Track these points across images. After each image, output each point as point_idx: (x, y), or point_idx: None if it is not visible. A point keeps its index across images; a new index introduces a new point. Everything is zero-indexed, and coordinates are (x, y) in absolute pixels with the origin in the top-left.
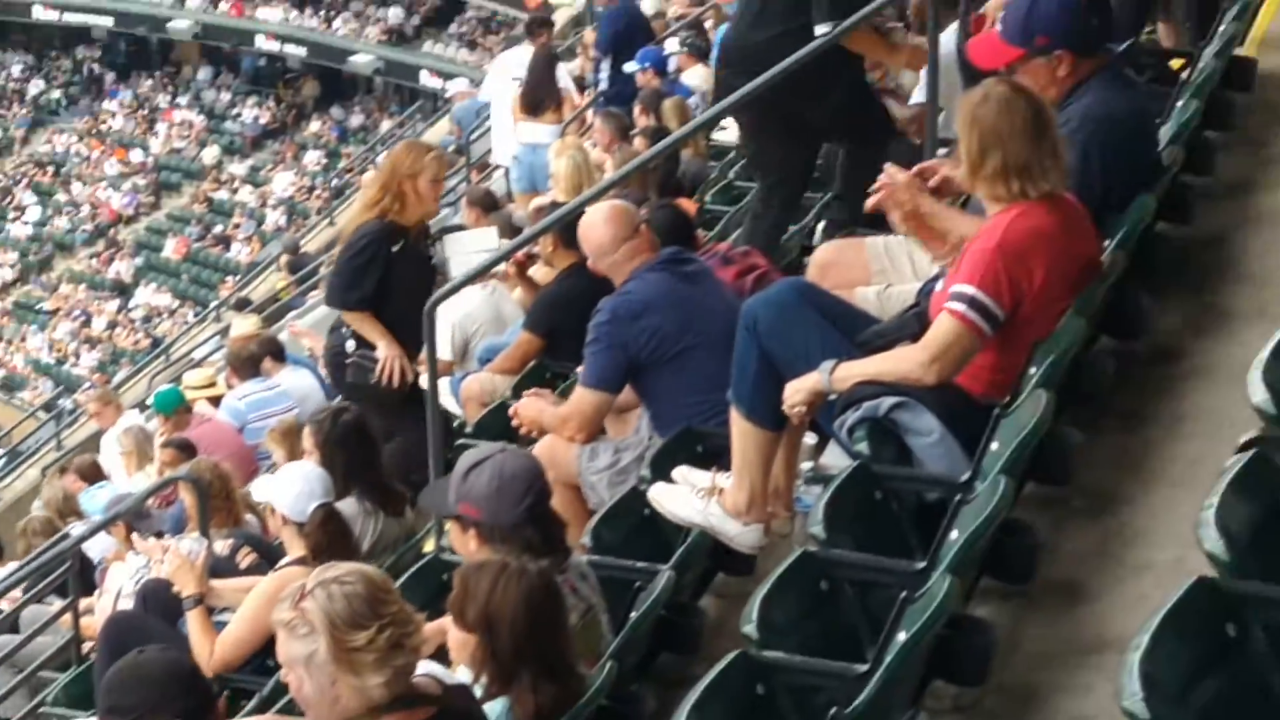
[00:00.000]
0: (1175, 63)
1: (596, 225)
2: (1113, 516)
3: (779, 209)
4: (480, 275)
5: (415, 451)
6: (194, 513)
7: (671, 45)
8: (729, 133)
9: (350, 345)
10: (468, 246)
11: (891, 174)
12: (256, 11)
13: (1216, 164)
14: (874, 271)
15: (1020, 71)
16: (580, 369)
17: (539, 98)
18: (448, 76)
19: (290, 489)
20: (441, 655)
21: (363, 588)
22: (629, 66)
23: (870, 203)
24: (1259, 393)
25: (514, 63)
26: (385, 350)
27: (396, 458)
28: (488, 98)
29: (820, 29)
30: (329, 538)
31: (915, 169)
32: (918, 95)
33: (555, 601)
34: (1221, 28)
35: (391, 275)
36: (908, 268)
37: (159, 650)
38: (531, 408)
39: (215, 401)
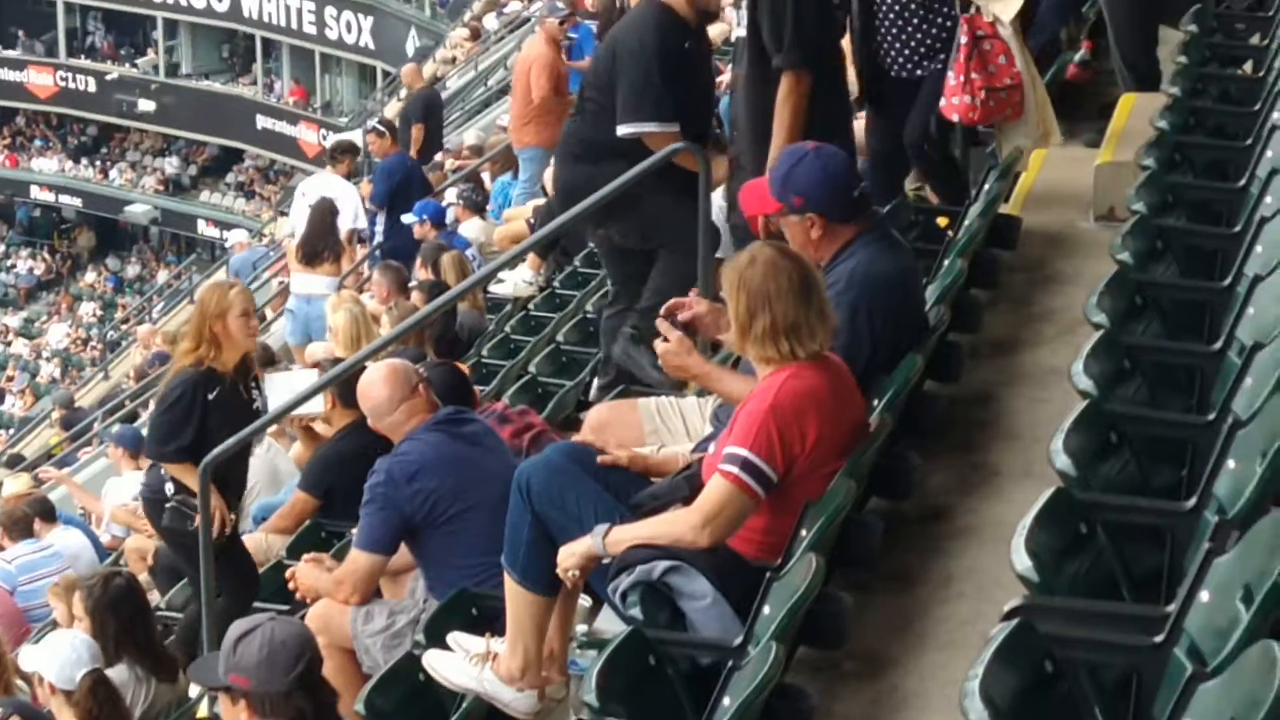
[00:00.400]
0: (942, 220)
1: (374, 385)
2: (884, 680)
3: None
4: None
5: (239, 592)
6: None
7: (450, 197)
8: (505, 286)
9: (169, 488)
10: (290, 387)
11: (664, 331)
12: (31, 162)
13: (983, 322)
14: (647, 432)
15: (781, 223)
16: (355, 529)
17: (316, 248)
18: (226, 226)
19: (57, 657)
20: None
21: None
22: (407, 218)
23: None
24: (1022, 560)
25: (316, 188)
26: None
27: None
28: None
29: (623, 129)
30: (99, 705)
31: (664, 309)
32: None
33: None
34: (986, 185)
35: (209, 421)
36: (681, 428)
37: None
38: (310, 574)
39: None
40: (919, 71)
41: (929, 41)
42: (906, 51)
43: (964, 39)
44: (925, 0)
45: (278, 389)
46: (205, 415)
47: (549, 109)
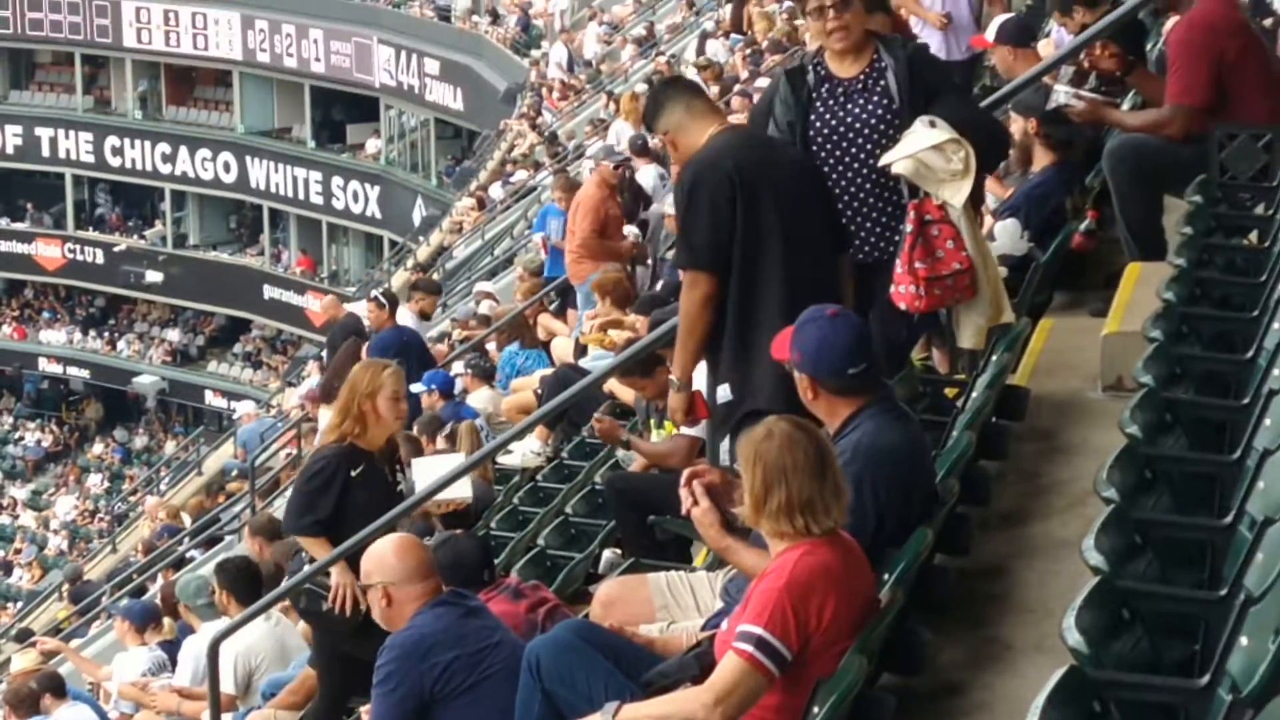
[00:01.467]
0: (950, 391)
1: (388, 555)
2: None
3: None
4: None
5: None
6: None
7: (458, 367)
8: (514, 456)
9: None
10: (435, 472)
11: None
12: (40, 334)
13: (992, 494)
14: (657, 607)
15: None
16: (366, 708)
17: (334, 387)
18: (234, 396)
19: None
20: None
21: None
22: (415, 388)
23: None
24: None
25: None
26: (338, 578)
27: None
28: None
29: None
30: None
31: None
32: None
33: None
34: (994, 356)
35: (349, 499)
36: (691, 603)
37: None
38: None
39: None
40: (875, 255)
41: (878, 228)
42: (860, 236)
43: (909, 226)
44: (875, 187)
45: (423, 473)
46: (345, 491)
47: (591, 249)
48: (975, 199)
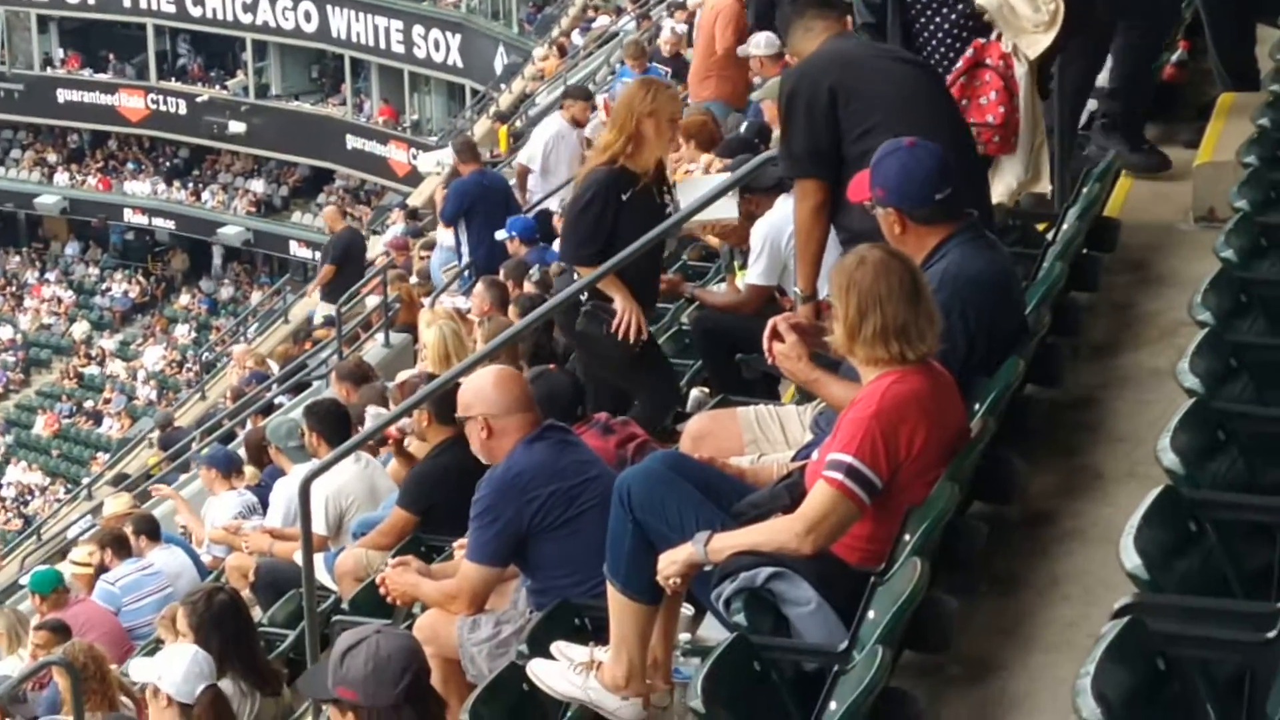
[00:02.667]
0: (1040, 225)
1: (486, 389)
2: (991, 683)
3: None
4: (353, 448)
5: (659, 405)
6: (68, 696)
7: (553, 205)
8: None
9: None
10: (700, 191)
11: (782, 332)
12: (124, 185)
13: (1083, 325)
14: (746, 441)
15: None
16: (460, 542)
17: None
18: (318, 247)
19: (177, 670)
20: None
21: None
22: (499, 235)
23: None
24: (1131, 559)
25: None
26: (622, 304)
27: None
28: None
29: None
30: (218, 719)
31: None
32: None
33: None
34: (1085, 189)
35: (620, 224)
36: (780, 437)
37: None
38: (401, 578)
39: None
40: None
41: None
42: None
43: (961, 63)
44: (955, 28)
45: (689, 193)
46: (617, 216)
47: (731, 62)
48: (1046, 61)
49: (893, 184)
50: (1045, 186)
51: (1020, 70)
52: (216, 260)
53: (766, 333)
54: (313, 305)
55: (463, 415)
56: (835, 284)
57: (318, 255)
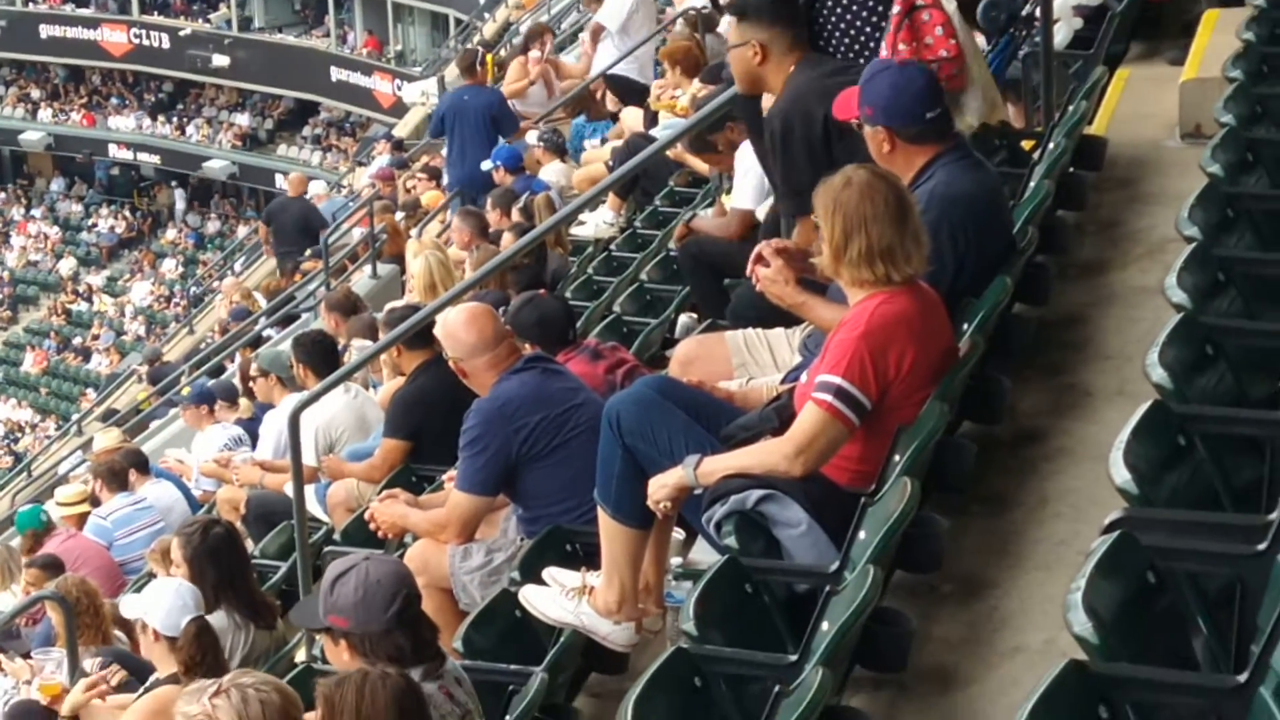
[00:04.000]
0: (1026, 144)
1: (460, 327)
2: (982, 601)
3: None
4: (344, 378)
5: None
6: (61, 630)
7: (530, 138)
8: (587, 228)
9: None
10: None
11: (768, 256)
12: (108, 120)
13: (1070, 243)
14: (735, 365)
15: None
16: (450, 473)
17: None
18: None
19: (162, 603)
20: None
21: (277, 697)
22: (485, 165)
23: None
24: (1121, 474)
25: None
26: None
27: None
28: None
29: None
30: (202, 652)
31: (769, 250)
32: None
33: (422, 705)
34: (1070, 107)
35: None
36: (768, 360)
37: None
38: (390, 510)
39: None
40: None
41: (868, 27)
42: (850, 35)
43: (896, 7)
44: None
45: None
46: None
47: None
48: None
49: (883, 102)
50: (1004, 114)
51: (950, 7)
52: (180, 206)
53: (752, 258)
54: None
55: (452, 349)
56: (821, 205)
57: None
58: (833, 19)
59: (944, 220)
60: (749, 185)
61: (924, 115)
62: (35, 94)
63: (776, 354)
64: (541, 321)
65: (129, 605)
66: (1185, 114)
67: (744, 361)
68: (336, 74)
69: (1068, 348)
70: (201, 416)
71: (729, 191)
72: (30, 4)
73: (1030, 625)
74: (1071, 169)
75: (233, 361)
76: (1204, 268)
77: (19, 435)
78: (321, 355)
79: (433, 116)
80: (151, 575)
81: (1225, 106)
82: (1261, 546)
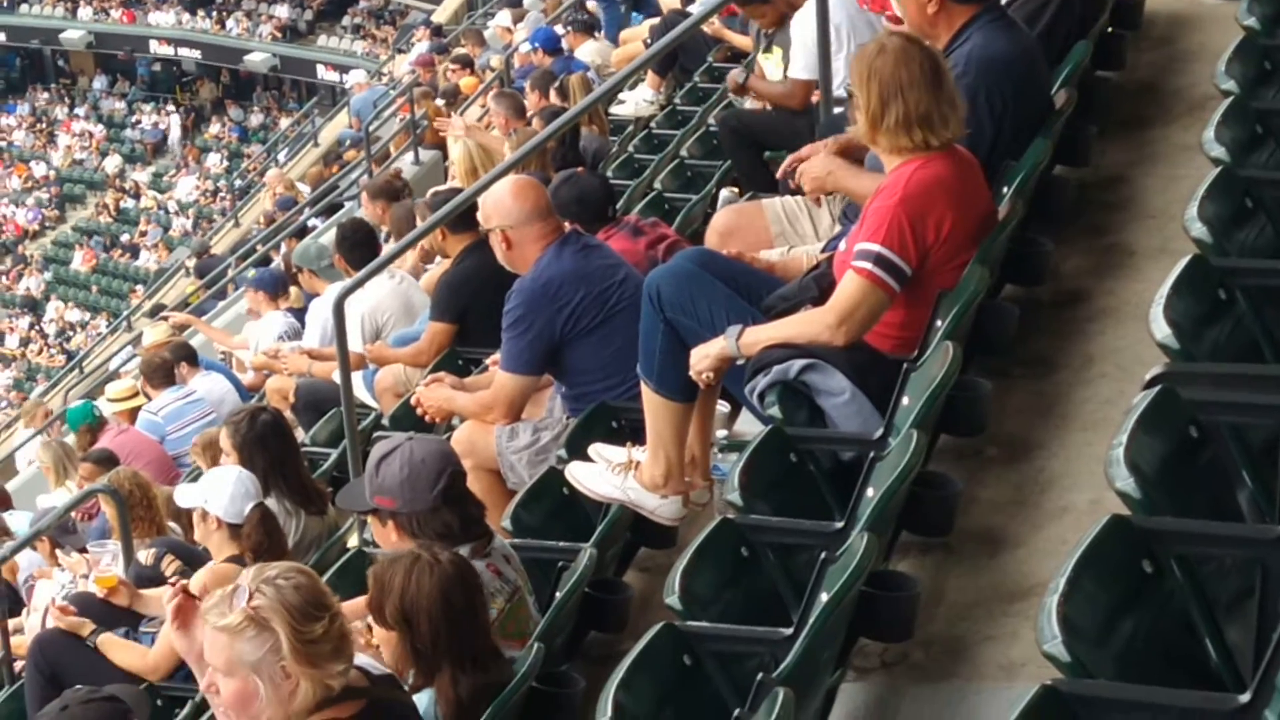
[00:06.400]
0: None
1: (505, 198)
2: (1028, 463)
3: None
4: (386, 264)
5: None
6: (115, 524)
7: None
8: (626, 106)
9: None
10: None
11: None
12: (148, 17)
13: (1110, 103)
14: (774, 234)
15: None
16: (496, 354)
17: None
18: (344, 70)
19: (224, 491)
20: None
21: (306, 580)
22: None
23: (781, 171)
24: (1161, 329)
25: None
26: None
27: None
28: None
29: None
30: (268, 537)
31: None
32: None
33: (471, 588)
34: None
35: None
36: (809, 229)
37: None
38: (435, 394)
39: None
40: None
41: None
42: None
43: None
44: None
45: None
46: None
47: None
48: None
49: None
50: None
51: None
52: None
53: (788, 160)
54: (340, 128)
55: (484, 228)
56: (856, 73)
57: (345, 79)
58: None
59: (981, 84)
60: (806, 55)
61: None
62: None
63: (817, 222)
64: (581, 198)
65: (186, 495)
66: None
67: (783, 230)
68: None
69: (1110, 208)
70: (263, 301)
71: (767, 50)
72: None
73: (1076, 485)
74: (1110, 29)
75: (278, 252)
76: (1242, 121)
77: (71, 334)
78: (360, 244)
79: None
80: (200, 470)
81: None
82: None
